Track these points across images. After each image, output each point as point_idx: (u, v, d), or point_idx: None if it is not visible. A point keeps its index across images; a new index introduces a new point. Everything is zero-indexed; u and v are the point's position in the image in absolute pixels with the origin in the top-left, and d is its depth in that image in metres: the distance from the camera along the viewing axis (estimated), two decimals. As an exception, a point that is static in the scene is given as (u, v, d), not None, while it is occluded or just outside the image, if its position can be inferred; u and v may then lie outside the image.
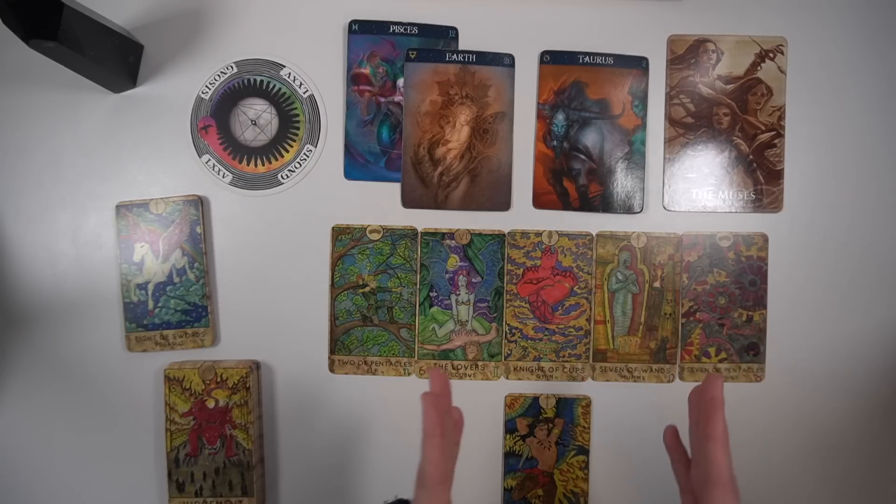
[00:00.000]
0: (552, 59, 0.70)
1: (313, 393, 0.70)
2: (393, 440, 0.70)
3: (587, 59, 0.70)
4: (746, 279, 0.70)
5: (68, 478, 0.69)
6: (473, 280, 0.70)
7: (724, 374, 0.70)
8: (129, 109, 0.70)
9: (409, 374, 0.70)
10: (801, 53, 0.70)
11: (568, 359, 0.70)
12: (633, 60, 0.70)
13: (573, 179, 0.70)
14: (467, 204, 0.70)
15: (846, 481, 0.70)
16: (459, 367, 0.70)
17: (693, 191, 0.70)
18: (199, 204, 0.69)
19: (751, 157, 0.70)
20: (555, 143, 0.70)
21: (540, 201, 0.70)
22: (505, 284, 0.70)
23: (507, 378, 0.70)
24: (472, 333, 0.70)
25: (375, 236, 0.70)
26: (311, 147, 0.70)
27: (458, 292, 0.70)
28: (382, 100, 0.70)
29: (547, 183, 0.70)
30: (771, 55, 0.70)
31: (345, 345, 0.69)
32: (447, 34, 0.70)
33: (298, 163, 0.70)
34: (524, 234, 0.70)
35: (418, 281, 0.70)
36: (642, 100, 0.70)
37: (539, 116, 0.70)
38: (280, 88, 0.70)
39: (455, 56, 0.70)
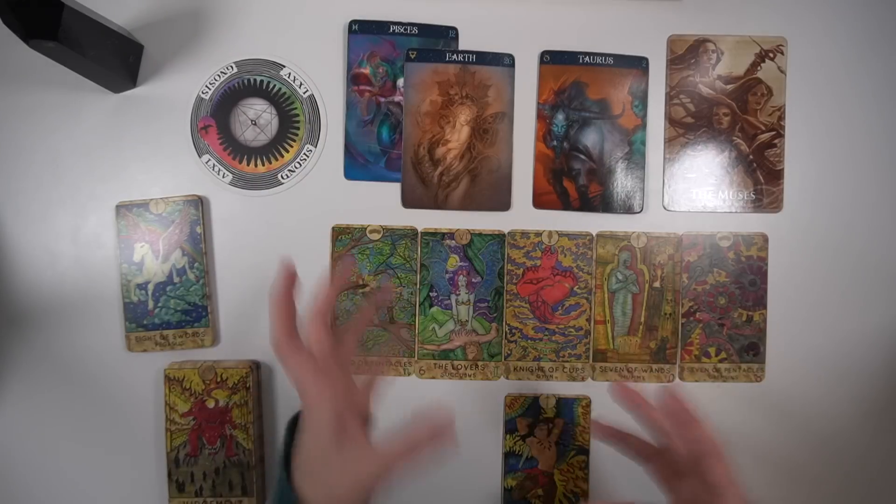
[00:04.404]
0: (552, 59, 0.70)
1: (313, 393, 0.70)
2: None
3: (587, 59, 0.70)
4: (746, 279, 0.70)
5: (68, 478, 0.69)
6: (473, 280, 0.70)
7: (724, 374, 0.70)
8: (129, 109, 0.70)
9: (409, 374, 0.70)
10: (801, 53, 0.70)
11: (568, 359, 0.70)
12: (633, 60, 0.70)
13: (573, 179, 0.70)
14: (467, 204, 0.70)
15: (846, 481, 0.70)
16: (459, 367, 0.70)
17: (693, 191, 0.70)
18: (199, 204, 0.69)
19: (751, 157, 0.70)
20: (555, 143, 0.70)
21: (540, 201, 0.70)
22: (505, 284, 0.70)
23: (507, 378, 0.70)
24: (472, 333, 0.70)
25: (375, 236, 0.70)
26: (311, 147, 0.70)
27: (458, 292, 0.70)
28: (382, 100, 0.70)
29: (547, 183, 0.70)
30: (771, 55, 0.70)
31: (345, 345, 0.69)
32: (447, 34, 0.70)
33: (298, 163, 0.70)
34: (524, 234, 0.70)
35: (418, 281, 0.70)
36: (642, 100, 0.70)
37: (539, 116, 0.70)
38: (280, 88, 0.70)
39: (455, 56, 0.70)
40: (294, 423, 0.51)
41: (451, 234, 0.70)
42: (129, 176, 0.70)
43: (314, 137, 0.70)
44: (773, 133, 0.70)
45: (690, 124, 0.70)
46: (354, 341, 0.53)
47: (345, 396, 0.49)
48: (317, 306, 0.50)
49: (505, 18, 0.70)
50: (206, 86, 0.70)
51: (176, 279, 0.69)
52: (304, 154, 0.70)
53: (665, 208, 0.70)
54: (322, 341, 0.50)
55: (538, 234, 0.70)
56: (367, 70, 0.70)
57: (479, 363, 0.70)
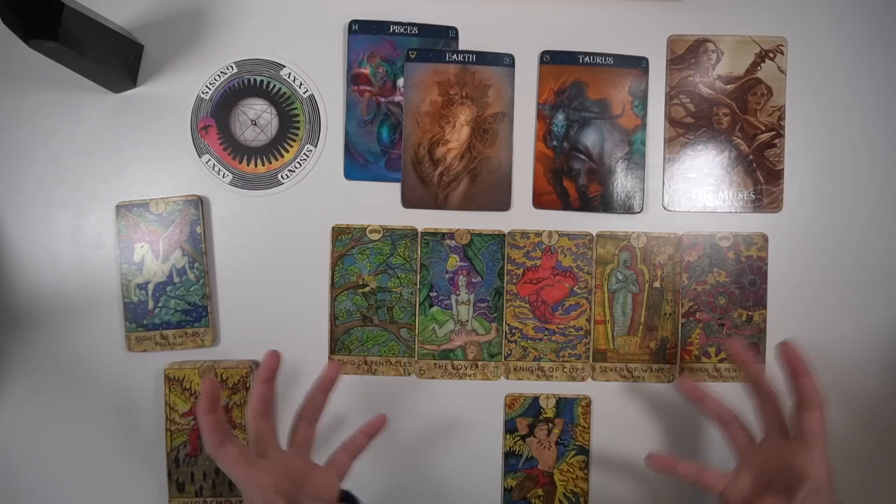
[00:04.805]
0: (552, 59, 0.70)
1: (313, 393, 0.70)
2: (393, 440, 0.70)
3: (587, 59, 0.70)
4: (746, 279, 0.70)
5: (68, 478, 0.69)
6: (473, 280, 0.70)
7: (724, 374, 0.70)
8: (129, 109, 0.70)
9: (409, 374, 0.70)
10: (801, 53, 0.70)
11: (568, 359, 0.70)
12: (633, 60, 0.70)
13: (573, 179, 0.70)
14: (467, 204, 0.70)
15: (845, 481, 0.70)
16: (459, 367, 0.70)
17: (693, 191, 0.70)
18: (199, 204, 0.69)
19: (751, 157, 0.70)
20: (555, 143, 0.70)
21: (540, 201, 0.70)
22: (505, 284, 0.70)
23: (507, 378, 0.70)
24: (472, 333, 0.70)
25: (375, 236, 0.70)
26: (311, 147, 0.70)
27: (458, 292, 0.70)
28: (382, 100, 0.70)
29: (547, 183, 0.70)
30: (771, 55, 0.70)
31: (345, 345, 0.70)
32: (447, 34, 0.70)
33: (298, 163, 0.70)
34: (524, 234, 0.70)
35: (418, 281, 0.70)
36: (642, 100, 0.70)
37: (539, 116, 0.70)
38: (280, 88, 0.70)
39: (455, 56, 0.70)
40: None
41: (451, 234, 0.70)
42: (130, 176, 0.70)
43: (314, 137, 0.70)
44: (773, 133, 0.70)
45: (690, 124, 0.70)
46: (309, 428, 0.59)
47: (291, 483, 0.55)
48: (252, 403, 0.56)
49: (505, 18, 0.70)
50: (206, 86, 0.70)
51: (176, 279, 0.69)
52: (304, 154, 0.70)
53: (665, 208, 0.71)
54: (262, 436, 0.56)
55: (538, 234, 0.70)
56: (367, 70, 0.70)
57: (479, 363, 0.70)
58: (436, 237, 0.70)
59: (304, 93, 0.70)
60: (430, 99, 0.70)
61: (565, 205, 0.70)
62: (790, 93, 0.70)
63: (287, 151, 0.70)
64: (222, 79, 0.70)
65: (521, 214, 0.70)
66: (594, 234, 0.70)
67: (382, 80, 0.70)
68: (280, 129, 0.70)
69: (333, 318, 0.70)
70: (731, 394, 0.70)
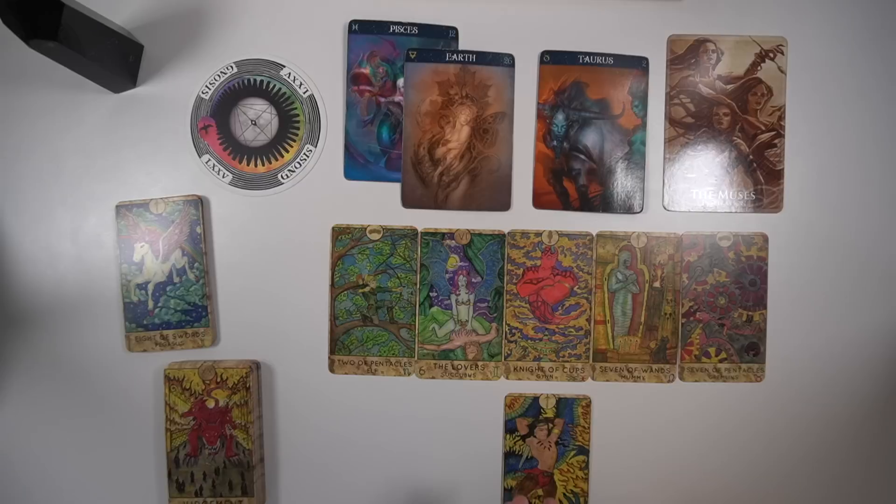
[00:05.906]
0: (552, 59, 0.70)
1: (313, 393, 0.70)
2: (393, 440, 0.70)
3: (587, 59, 0.70)
4: (746, 279, 0.70)
5: (68, 478, 0.69)
6: (473, 280, 0.70)
7: (724, 374, 0.70)
8: (129, 109, 0.70)
9: (409, 374, 0.70)
10: (801, 53, 0.70)
11: (568, 359, 0.70)
12: (633, 60, 0.70)
13: (573, 179, 0.70)
14: (467, 204, 0.70)
15: (846, 481, 0.70)
16: (459, 367, 0.70)
17: (693, 191, 0.70)
18: (199, 204, 0.69)
19: (751, 157, 0.70)
20: (555, 143, 0.70)
21: (540, 201, 0.70)
22: (505, 284, 0.70)
23: (507, 378, 0.70)
24: (472, 333, 0.70)
25: (375, 236, 0.70)
26: (311, 147, 0.70)
27: (458, 292, 0.70)
28: (382, 100, 0.70)
29: (547, 183, 0.70)
30: (771, 55, 0.70)
31: (345, 345, 0.70)
32: (447, 34, 0.70)
33: (298, 163, 0.70)
34: (524, 234, 0.70)
35: (418, 281, 0.70)
36: (642, 100, 0.70)
37: (539, 116, 0.70)
38: (280, 88, 0.70)
39: (455, 56, 0.70)
40: None
41: (451, 234, 0.70)
42: (130, 176, 0.70)
43: (314, 137, 0.70)
44: (773, 133, 0.70)
45: (690, 124, 0.70)
46: None
47: None
48: None
49: (505, 18, 0.70)
50: (206, 86, 0.70)
51: (176, 279, 0.69)
52: (304, 154, 0.70)
53: (665, 208, 0.71)
54: None
55: (538, 234, 0.70)
56: (367, 70, 0.70)
57: (479, 363, 0.70)
58: (436, 237, 0.70)
59: (304, 93, 0.70)
60: (430, 99, 0.70)
61: (565, 205, 0.70)
62: (790, 93, 0.70)
63: (287, 151, 0.70)
64: (222, 79, 0.70)
65: (521, 214, 0.70)
66: (594, 234, 0.70)
67: (382, 80, 0.70)
68: (280, 129, 0.70)
69: (333, 318, 0.70)
70: (732, 393, 0.70)
